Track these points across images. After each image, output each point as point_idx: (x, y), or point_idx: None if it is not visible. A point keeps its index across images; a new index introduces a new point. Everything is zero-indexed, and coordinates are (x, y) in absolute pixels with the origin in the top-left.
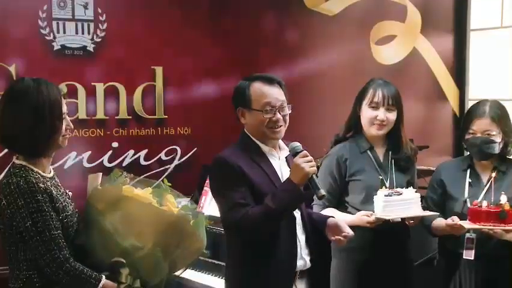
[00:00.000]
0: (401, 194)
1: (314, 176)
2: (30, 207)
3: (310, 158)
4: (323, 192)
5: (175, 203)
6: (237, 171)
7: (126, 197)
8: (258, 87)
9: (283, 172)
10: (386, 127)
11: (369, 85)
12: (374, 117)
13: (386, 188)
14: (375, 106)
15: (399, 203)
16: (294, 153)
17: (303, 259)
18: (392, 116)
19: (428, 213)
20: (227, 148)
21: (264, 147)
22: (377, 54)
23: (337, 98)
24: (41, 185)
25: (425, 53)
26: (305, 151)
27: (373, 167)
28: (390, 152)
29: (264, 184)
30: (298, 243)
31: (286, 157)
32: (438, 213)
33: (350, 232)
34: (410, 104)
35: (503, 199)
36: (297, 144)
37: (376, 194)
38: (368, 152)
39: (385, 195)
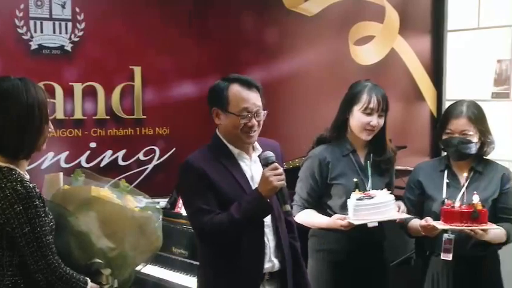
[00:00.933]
0: (373, 197)
1: (283, 189)
2: (29, 213)
3: (280, 171)
4: (287, 208)
5: (135, 203)
6: (202, 176)
7: (96, 197)
8: (236, 90)
9: (254, 173)
10: (375, 132)
11: (361, 89)
12: (367, 123)
13: (359, 191)
14: (369, 112)
15: (371, 207)
16: (265, 163)
17: (272, 262)
18: (382, 121)
19: (402, 216)
20: (197, 150)
21: (234, 150)
22: (356, 54)
23: (316, 98)
24: (37, 189)
25: (403, 53)
26: (276, 163)
27: (354, 171)
28: (371, 155)
29: (231, 189)
30: (267, 245)
31: (258, 156)
32: (412, 216)
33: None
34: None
35: (476, 199)
36: (269, 154)
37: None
38: (350, 155)
39: (356, 199)
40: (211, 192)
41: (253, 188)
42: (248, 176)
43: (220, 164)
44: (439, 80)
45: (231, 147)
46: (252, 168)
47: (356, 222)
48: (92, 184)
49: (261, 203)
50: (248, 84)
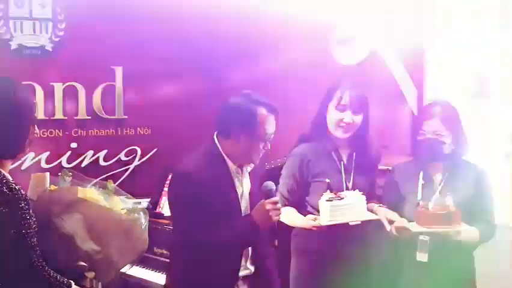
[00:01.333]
0: (342, 198)
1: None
2: (14, 214)
3: (279, 205)
4: (276, 243)
5: (121, 204)
6: (198, 191)
7: (82, 199)
8: (264, 117)
9: (244, 189)
10: (351, 130)
11: (336, 86)
12: (340, 119)
13: (330, 191)
14: (342, 109)
15: (340, 208)
16: (265, 195)
17: (248, 269)
18: (358, 118)
19: (370, 216)
20: (192, 158)
21: (232, 166)
22: (337, 54)
23: (298, 98)
24: (22, 191)
25: (385, 53)
26: (277, 197)
27: (336, 169)
28: (354, 154)
29: (222, 205)
30: (244, 258)
31: (254, 178)
32: (379, 217)
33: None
34: (370, 105)
35: (449, 200)
36: (272, 186)
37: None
38: (332, 153)
39: (326, 200)
40: (204, 207)
41: (241, 204)
42: (239, 192)
43: (216, 179)
44: (420, 80)
45: (229, 163)
46: (243, 184)
47: (324, 223)
48: (78, 185)
49: (254, 232)
50: (272, 109)
